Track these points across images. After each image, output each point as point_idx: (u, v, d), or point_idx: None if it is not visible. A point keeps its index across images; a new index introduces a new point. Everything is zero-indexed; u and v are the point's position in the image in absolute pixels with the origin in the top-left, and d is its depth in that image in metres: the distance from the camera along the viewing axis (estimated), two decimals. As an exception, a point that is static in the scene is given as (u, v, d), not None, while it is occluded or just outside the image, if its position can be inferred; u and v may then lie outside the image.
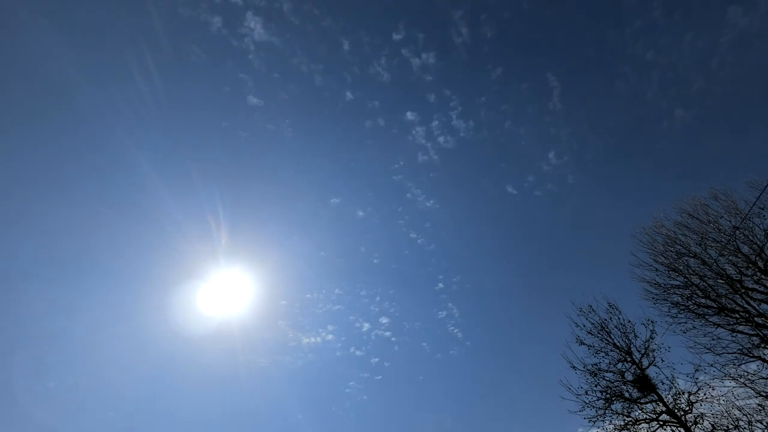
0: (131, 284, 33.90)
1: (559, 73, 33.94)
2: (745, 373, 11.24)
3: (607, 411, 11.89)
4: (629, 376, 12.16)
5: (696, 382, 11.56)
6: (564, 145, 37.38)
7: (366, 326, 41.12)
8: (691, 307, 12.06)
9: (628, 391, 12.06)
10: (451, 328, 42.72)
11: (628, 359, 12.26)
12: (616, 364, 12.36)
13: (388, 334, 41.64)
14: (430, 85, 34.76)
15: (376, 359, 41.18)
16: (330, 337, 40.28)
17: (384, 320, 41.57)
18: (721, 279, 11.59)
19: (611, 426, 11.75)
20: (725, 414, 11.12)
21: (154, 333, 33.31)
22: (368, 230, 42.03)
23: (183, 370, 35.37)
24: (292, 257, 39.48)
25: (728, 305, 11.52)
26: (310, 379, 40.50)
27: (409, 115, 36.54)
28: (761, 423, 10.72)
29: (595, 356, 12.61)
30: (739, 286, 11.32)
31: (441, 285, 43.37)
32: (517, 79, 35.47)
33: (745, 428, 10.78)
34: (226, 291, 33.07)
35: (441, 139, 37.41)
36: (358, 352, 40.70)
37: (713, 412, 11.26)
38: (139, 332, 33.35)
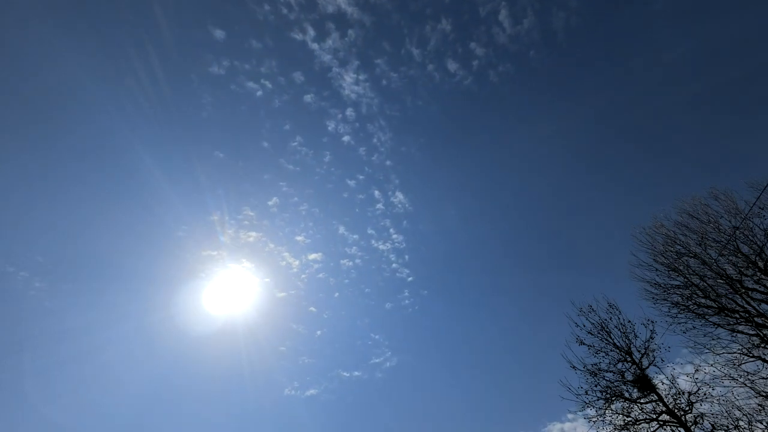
0: (137, 283, 34.18)
1: None
2: (745, 373, 11.25)
3: (607, 411, 11.93)
4: (629, 376, 12.17)
5: (696, 382, 11.59)
6: None
7: (295, 264, 29.97)
8: (691, 307, 12.07)
9: (628, 391, 12.08)
10: (398, 266, 31.29)
11: (628, 359, 12.28)
12: (616, 364, 12.39)
13: (322, 275, 31.11)
14: None
15: (313, 309, 31.18)
16: (252, 277, 28.21)
17: (315, 257, 30.80)
18: (721, 279, 11.59)
19: (611, 426, 11.78)
20: (725, 414, 11.13)
21: (160, 331, 33.55)
22: (270, 118, 28.34)
23: (189, 369, 35.60)
24: (181, 159, 27.81)
25: (728, 305, 11.52)
26: (231, 329, 28.20)
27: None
28: (761, 423, 10.72)
29: (595, 356, 12.65)
30: (739, 286, 11.32)
31: (380, 206, 31.27)
32: None
33: (745, 428, 10.78)
34: (230, 284, 31.58)
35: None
36: (288, 297, 30.43)
37: (713, 412, 11.27)
38: (145, 331, 33.54)
